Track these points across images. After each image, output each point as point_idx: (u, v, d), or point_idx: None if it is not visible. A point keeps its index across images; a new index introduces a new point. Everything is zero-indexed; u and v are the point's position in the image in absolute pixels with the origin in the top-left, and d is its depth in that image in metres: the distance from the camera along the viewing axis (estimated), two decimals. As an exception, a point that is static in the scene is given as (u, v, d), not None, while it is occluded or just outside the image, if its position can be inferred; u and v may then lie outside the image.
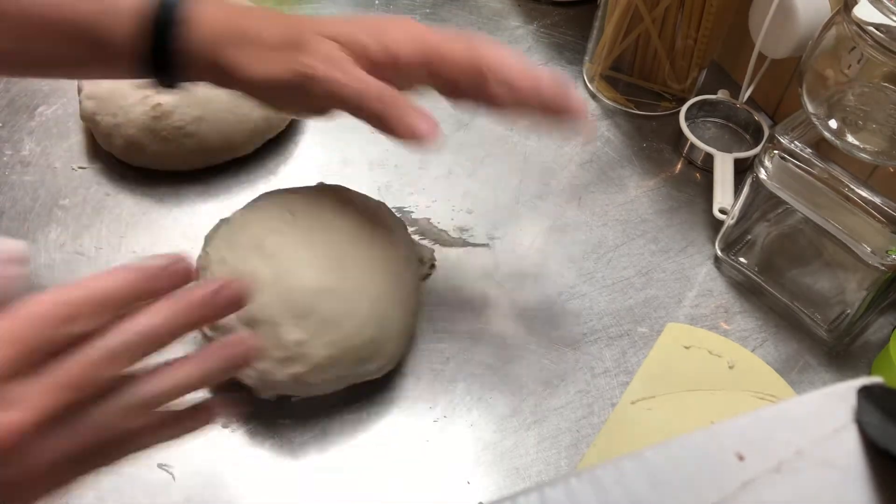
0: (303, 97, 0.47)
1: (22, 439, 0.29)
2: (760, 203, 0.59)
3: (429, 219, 0.63)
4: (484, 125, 0.71)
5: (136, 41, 0.46)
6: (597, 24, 0.72)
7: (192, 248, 0.60)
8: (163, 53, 0.46)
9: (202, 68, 0.47)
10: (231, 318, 0.47)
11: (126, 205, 0.62)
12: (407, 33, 0.47)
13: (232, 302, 0.36)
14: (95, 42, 0.46)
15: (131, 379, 0.33)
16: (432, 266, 0.59)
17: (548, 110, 0.46)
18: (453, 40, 0.47)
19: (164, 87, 0.48)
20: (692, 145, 0.69)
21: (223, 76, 0.47)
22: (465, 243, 0.62)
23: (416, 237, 0.61)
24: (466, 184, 0.66)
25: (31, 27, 0.46)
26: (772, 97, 0.72)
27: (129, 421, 0.33)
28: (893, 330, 0.56)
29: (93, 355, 0.31)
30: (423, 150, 0.51)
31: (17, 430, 0.29)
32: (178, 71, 0.47)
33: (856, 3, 0.48)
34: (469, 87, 0.47)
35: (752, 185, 0.57)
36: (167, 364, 0.34)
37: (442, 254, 0.61)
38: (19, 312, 0.31)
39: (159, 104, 0.60)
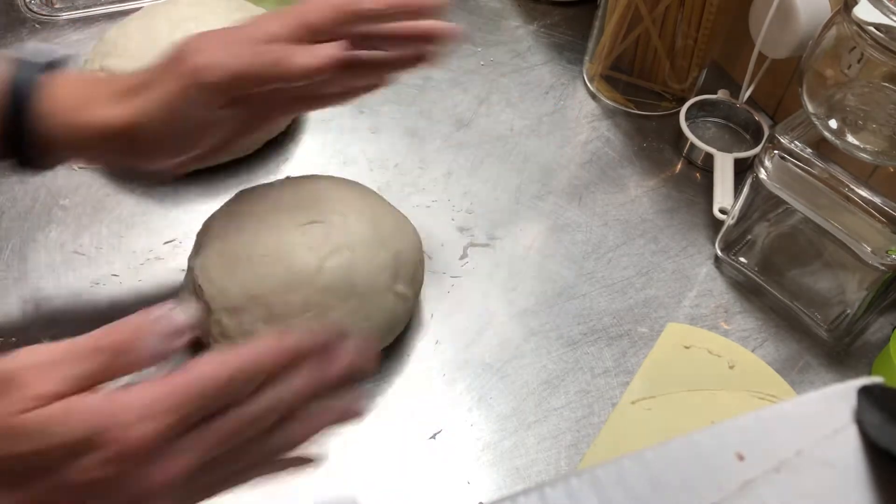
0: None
1: (171, 487, 0.34)
2: (760, 203, 0.59)
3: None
4: (484, 125, 0.71)
5: None
6: (597, 24, 0.72)
7: (191, 249, 0.60)
8: (20, 132, 0.45)
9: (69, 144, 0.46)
10: (252, 317, 0.49)
11: (126, 205, 0.62)
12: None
13: (357, 371, 0.39)
14: None
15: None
16: None
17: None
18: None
19: (27, 169, 0.47)
20: (692, 145, 0.69)
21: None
22: (465, 243, 0.62)
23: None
24: (466, 184, 0.66)
25: None
26: (772, 97, 0.72)
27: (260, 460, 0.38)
28: (893, 330, 0.56)
29: (240, 420, 0.36)
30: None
31: (169, 480, 0.34)
32: (40, 150, 0.46)
33: (856, 3, 0.48)
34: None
35: (752, 185, 0.57)
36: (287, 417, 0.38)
37: (442, 253, 0.61)
38: (180, 381, 0.34)
39: (159, 104, 0.60)
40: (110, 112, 0.45)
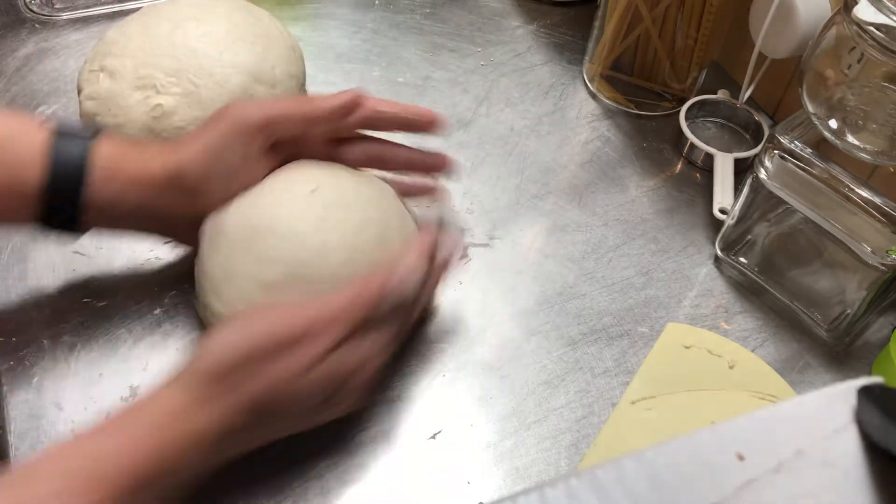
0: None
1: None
2: (760, 203, 0.59)
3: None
4: (484, 125, 0.71)
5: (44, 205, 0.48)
6: (597, 24, 0.72)
7: (190, 249, 0.59)
8: (72, 202, 0.48)
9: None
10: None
11: (126, 205, 0.62)
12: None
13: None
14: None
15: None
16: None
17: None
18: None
19: (63, 234, 0.50)
20: (692, 145, 0.69)
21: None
22: (465, 243, 0.62)
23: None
24: (466, 184, 0.66)
25: None
26: (772, 97, 0.72)
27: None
28: (893, 330, 0.56)
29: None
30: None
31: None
32: (88, 217, 0.49)
33: (856, 3, 0.48)
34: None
35: (752, 185, 0.57)
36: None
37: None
38: (394, 330, 0.48)
39: (160, 105, 0.60)
40: (159, 163, 0.50)
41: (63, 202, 0.48)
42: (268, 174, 0.52)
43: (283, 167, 0.53)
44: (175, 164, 0.49)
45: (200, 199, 0.51)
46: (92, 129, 0.50)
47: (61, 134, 0.49)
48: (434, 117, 0.55)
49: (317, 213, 0.49)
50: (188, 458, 0.41)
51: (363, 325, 0.45)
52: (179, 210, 0.50)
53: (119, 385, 0.52)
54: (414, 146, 0.57)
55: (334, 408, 0.47)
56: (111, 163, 0.49)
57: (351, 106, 0.53)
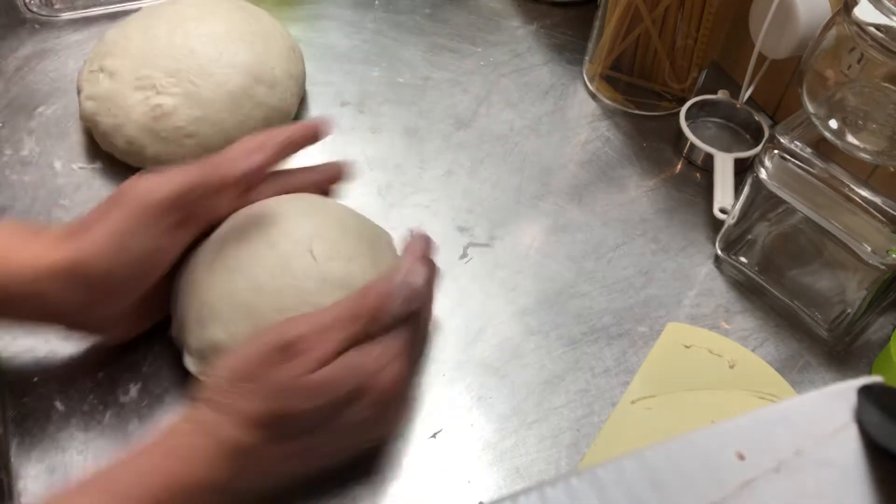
0: None
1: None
2: (760, 203, 0.59)
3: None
4: (484, 125, 0.71)
5: None
6: (597, 24, 0.72)
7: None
8: None
9: None
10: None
11: (126, 205, 0.62)
12: None
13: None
14: None
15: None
16: None
17: None
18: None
19: None
20: (692, 145, 0.69)
21: None
22: (465, 243, 0.62)
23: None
24: (466, 184, 0.66)
25: None
26: (772, 97, 0.72)
27: None
28: (894, 330, 0.56)
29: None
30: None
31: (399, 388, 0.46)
32: None
33: (856, 3, 0.48)
34: None
35: (752, 185, 0.57)
36: None
37: (442, 253, 0.61)
38: (406, 334, 0.46)
39: (159, 105, 0.60)
40: (51, 253, 0.44)
41: None
42: (183, 251, 0.49)
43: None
44: (73, 256, 0.44)
45: (104, 293, 0.45)
46: None
47: None
48: (314, 128, 0.52)
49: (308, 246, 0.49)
50: (213, 473, 0.41)
51: (367, 334, 0.44)
52: (77, 304, 0.45)
53: (120, 385, 0.52)
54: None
55: (362, 427, 0.45)
56: None
57: (259, 169, 0.49)
